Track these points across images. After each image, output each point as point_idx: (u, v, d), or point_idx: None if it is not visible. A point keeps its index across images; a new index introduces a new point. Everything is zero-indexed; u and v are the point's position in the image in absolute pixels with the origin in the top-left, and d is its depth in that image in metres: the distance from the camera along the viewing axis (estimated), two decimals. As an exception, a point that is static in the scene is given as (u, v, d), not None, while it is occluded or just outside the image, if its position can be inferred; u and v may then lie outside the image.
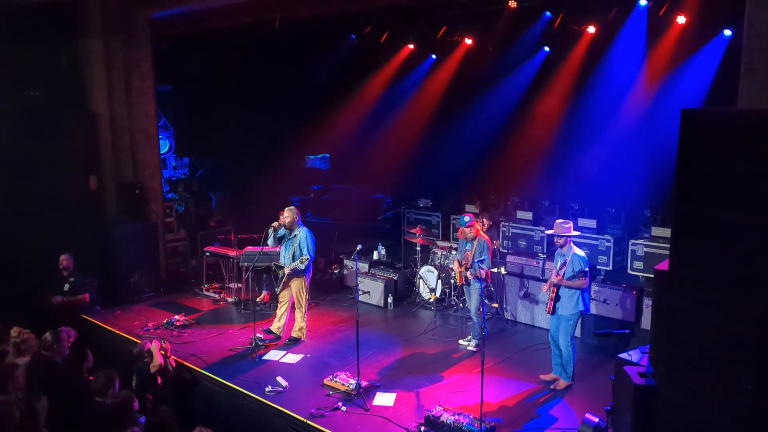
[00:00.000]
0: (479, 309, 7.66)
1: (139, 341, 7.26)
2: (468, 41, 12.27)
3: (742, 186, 3.43)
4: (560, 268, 6.66)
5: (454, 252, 9.24)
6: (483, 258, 7.54)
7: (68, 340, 6.30)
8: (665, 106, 10.25)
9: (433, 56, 13.43)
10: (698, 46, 9.71)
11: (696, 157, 3.74)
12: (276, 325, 8.17)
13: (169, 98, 14.70)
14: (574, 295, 6.63)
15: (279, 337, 8.12)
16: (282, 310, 8.15)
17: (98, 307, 9.40)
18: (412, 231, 9.76)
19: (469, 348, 7.87)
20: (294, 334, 8.11)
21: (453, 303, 9.29)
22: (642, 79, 10.79)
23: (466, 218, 7.83)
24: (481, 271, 7.58)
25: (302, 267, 7.85)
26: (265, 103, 14.22)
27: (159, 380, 6.64)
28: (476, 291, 7.71)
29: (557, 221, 6.87)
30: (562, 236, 6.70)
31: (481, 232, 7.84)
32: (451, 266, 9.06)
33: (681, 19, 9.26)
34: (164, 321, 8.74)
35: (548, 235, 7.33)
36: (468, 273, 7.73)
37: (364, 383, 6.68)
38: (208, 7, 10.13)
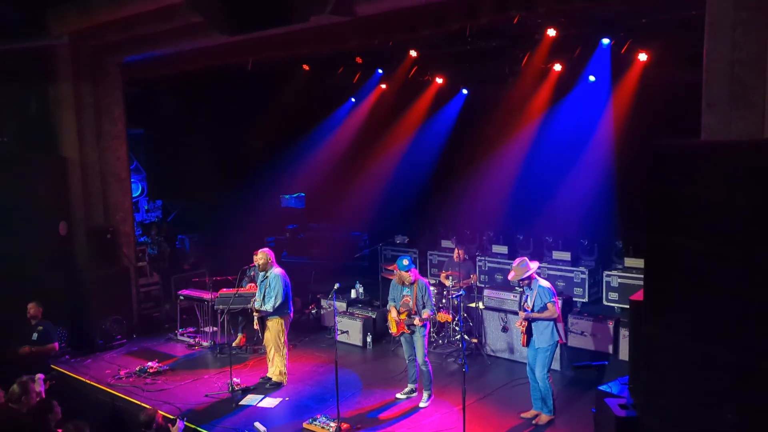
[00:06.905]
0: (425, 355, 7.29)
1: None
2: (439, 80, 12.54)
3: (708, 215, 3.51)
4: (528, 302, 6.71)
5: (432, 288, 9.18)
6: (430, 301, 7.29)
7: (41, 387, 6.09)
8: (632, 139, 10.51)
9: (404, 95, 13.65)
10: (661, 82, 10.05)
11: (664, 187, 3.83)
12: (271, 372, 7.99)
13: (141, 141, 14.61)
14: (548, 326, 6.63)
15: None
16: (271, 354, 7.97)
17: (68, 356, 9.13)
18: (390, 268, 9.72)
19: (421, 405, 7.21)
20: (274, 378, 7.93)
21: (432, 339, 9.21)
22: (609, 113, 11.11)
23: (405, 261, 7.27)
24: (431, 313, 7.23)
25: (270, 310, 7.68)
26: (238, 144, 14.23)
27: None
28: (422, 337, 7.23)
29: (514, 264, 6.84)
30: (524, 278, 6.73)
31: (419, 274, 7.46)
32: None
33: (642, 57, 9.66)
34: (137, 368, 8.51)
35: (512, 281, 7.20)
36: (416, 320, 7.14)
37: (344, 426, 6.56)
38: (181, 51, 10.17)
